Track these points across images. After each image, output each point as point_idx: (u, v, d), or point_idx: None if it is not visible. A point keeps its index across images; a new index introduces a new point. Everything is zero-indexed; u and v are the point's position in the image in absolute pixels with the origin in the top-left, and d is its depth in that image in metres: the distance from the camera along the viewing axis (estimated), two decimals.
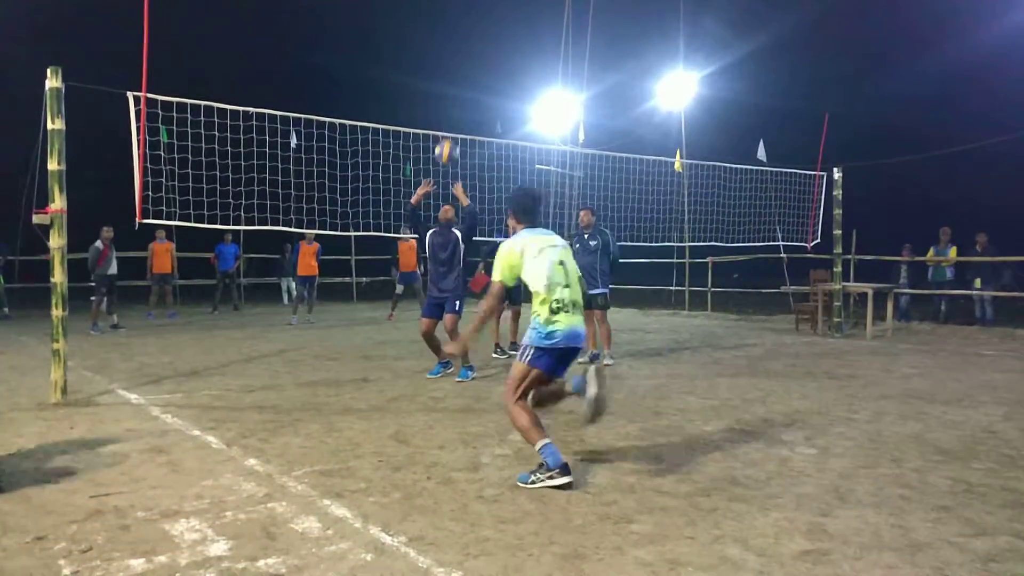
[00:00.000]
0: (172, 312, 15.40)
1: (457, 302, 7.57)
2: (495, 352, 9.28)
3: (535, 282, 4.18)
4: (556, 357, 4.15)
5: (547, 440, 4.01)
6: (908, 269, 14.45)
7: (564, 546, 3.16)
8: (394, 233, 9.24)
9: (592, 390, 4.20)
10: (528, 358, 4.12)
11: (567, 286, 4.21)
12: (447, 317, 7.55)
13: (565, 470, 3.93)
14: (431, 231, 7.72)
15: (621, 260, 9.13)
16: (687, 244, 15.16)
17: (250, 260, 20.99)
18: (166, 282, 15.33)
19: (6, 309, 14.79)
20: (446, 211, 7.71)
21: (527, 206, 4.46)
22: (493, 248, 9.60)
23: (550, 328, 4.09)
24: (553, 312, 4.10)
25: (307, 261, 14.34)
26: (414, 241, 13.90)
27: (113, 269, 12.57)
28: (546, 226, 4.59)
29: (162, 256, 15.09)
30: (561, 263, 4.25)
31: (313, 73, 28.79)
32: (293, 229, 8.83)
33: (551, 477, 3.92)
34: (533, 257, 4.22)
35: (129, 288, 17.97)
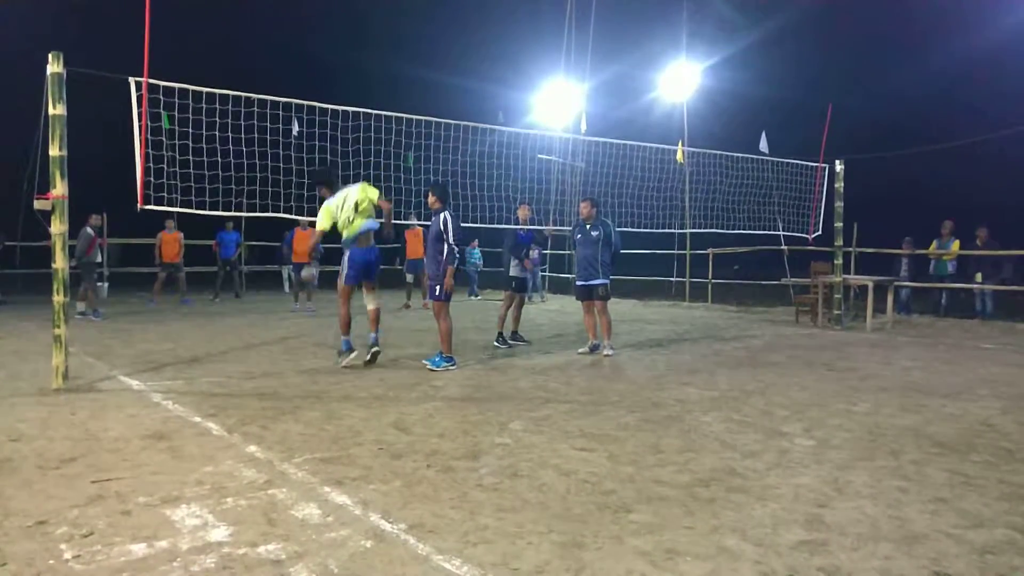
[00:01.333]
0: (187, 299, 15.54)
1: (438, 287, 7.55)
2: (496, 342, 9.29)
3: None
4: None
5: (346, 337, 7.55)
6: (909, 262, 14.44)
7: (563, 534, 3.18)
8: (403, 220, 9.25)
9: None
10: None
11: (351, 222, 7.33)
12: (431, 303, 7.68)
13: (346, 349, 7.53)
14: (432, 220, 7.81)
15: (621, 251, 9.09)
16: (688, 233, 15.15)
17: (251, 248, 21.01)
18: (177, 270, 15.50)
19: (1, 295, 14.85)
20: (429, 199, 7.74)
21: (331, 181, 7.62)
22: (513, 241, 9.61)
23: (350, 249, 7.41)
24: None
25: (302, 248, 14.36)
26: (419, 229, 13.94)
27: (99, 256, 12.79)
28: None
29: (171, 245, 15.33)
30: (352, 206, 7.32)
31: (314, 61, 28.67)
32: (294, 216, 8.82)
33: (340, 355, 7.50)
34: (339, 208, 7.31)
35: (136, 275, 18.06)
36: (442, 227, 7.53)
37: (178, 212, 8.05)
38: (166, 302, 15.34)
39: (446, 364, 7.50)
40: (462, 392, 6.36)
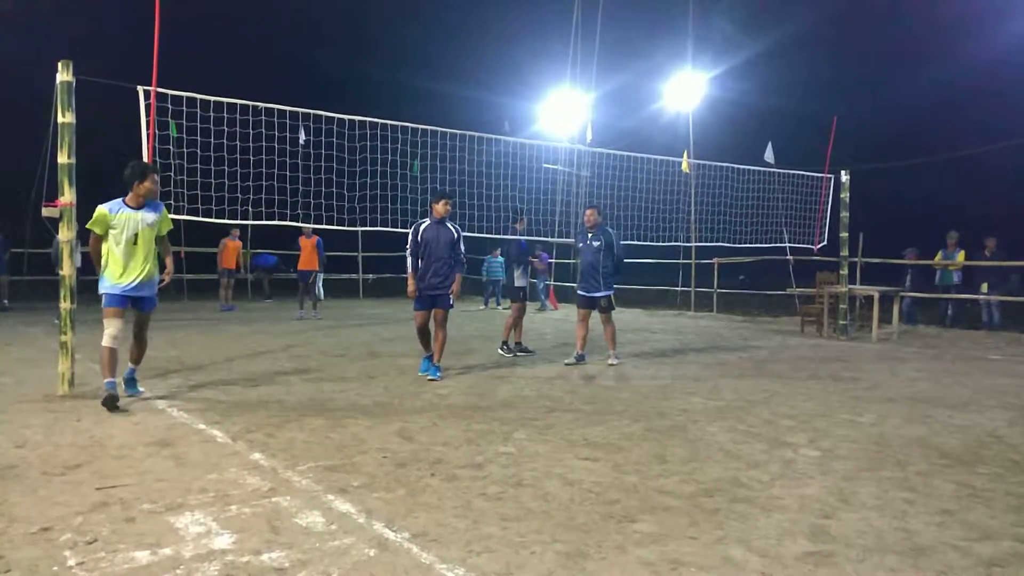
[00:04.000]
0: (231, 305, 15.95)
1: (451, 297, 7.61)
2: (501, 349, 9.28)
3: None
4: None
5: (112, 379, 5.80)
6: (912, 272, 14.39)
7: (567, 544, 3.17)
8: (404, 228, 9.28)
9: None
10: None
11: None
12: (438, 311, 7.57)
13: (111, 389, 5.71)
14: (424, 225, 7.65)
15: (626, 260, 9.05)
16: (693, 244, 15.14)
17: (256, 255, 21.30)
18: (231, 276, 16.15)
19: (6, 301, 14.96)
20: (443, 206, 7.64)
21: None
22: (517, 251, 9.62)
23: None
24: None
25: (306, 256, 14.46)
26: None
27: None
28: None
29: (232, 253, 16.03)
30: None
31: (321, 72, 28.78)
32: (300, 224, 8.86)
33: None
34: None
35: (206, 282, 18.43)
36: (456, 236, 7.60)
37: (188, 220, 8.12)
38: (175, 309, 15.43)
39: (440, 374, 7.52)
40: (466, 401, 6.35)
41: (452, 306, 7.68)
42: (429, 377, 7.42)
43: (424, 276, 7.52)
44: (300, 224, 9.10)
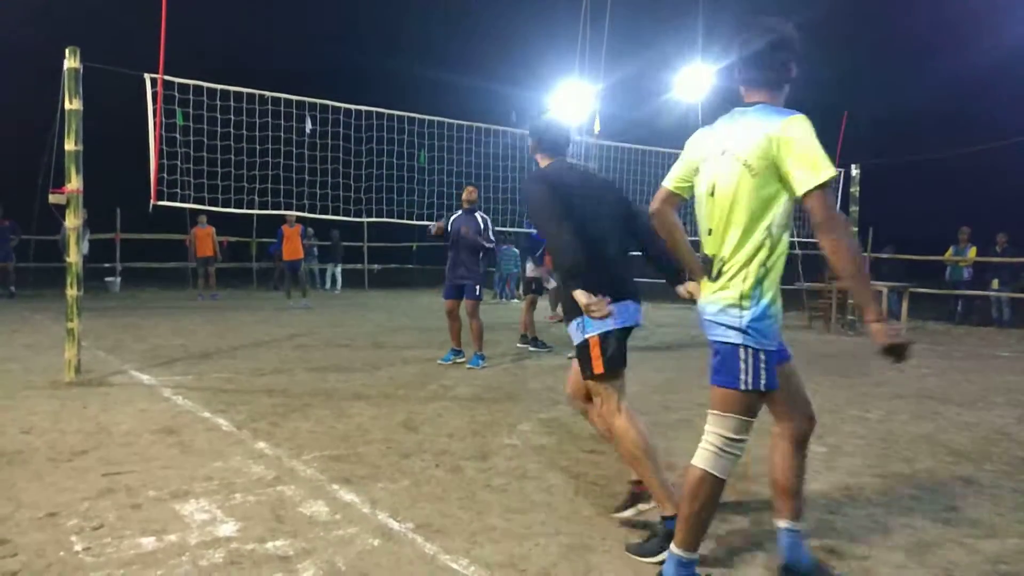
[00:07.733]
0: (215, 293, 15.82)
1: (477, 287, 7.66)
2: (520, 343, 9.22)
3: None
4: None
5: None
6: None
7: (570, 536, 3.16)
8: (409, 220, 9.27)
9: None
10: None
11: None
12: (468, 302, 7.66)
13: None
14: (454, 216, 7.79)
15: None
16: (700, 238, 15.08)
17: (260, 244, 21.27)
18: (209, 264, 15.81)
19: (12, 288, 15.05)
20: (469, 193, 7.72)
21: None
22: (528, 243, 9.60)
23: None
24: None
25: (292, 245, 14.46)
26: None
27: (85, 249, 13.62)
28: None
29: (204, 240, 15.63)
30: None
31: (328, 62, 28.78)
32: (307, 214, 8.86)
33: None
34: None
35: (154, 271, 18.20)
36: (483, 225, 7.64)
37: (194, 208, 8.13)
38: (182, 297, 15.51)
39: (480, 361, 7.65)
40: (471, 392, 6.35)
41: (480, 296, 7.74)
42: (468, 365, 7.54)
43: (452, 266, 7.67)
44: (316, 215, 9.07)
